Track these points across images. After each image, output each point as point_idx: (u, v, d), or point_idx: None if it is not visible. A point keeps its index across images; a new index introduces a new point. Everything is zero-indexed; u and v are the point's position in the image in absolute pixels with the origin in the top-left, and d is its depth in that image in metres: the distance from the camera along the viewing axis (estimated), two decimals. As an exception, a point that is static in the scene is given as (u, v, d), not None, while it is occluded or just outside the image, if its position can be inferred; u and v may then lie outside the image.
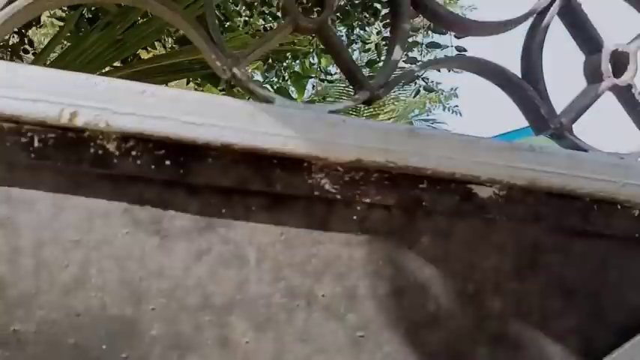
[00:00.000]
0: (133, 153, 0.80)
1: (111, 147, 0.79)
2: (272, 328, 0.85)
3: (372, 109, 9.04)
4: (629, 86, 1.01)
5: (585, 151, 0.96)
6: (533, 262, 0.95)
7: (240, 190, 0.85)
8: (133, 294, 0.80)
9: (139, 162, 0.80)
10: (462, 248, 0.93)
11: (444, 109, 13.09)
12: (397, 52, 0.97)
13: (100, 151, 0.79)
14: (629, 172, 0.95)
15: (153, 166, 0.80)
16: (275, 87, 6.45)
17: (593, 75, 1.01)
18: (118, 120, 0.77)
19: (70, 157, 0.78)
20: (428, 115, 13.05)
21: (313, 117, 0.85)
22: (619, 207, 0.98)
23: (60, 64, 2.27)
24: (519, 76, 1.00)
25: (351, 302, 0.88)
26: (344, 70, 0.97)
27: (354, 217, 0.89)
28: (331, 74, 7.69)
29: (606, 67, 1.00)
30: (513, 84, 0.99)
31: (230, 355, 0.84)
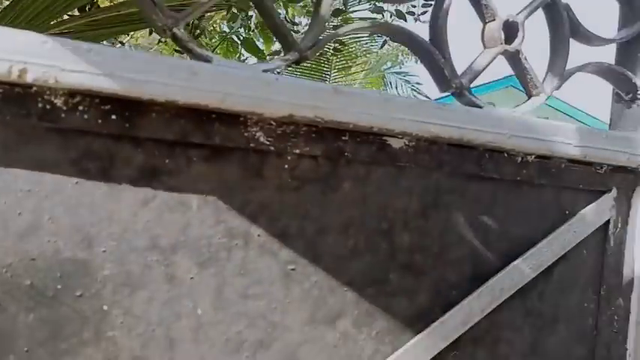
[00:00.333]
0: (80, 108, 0.87)
1: (58, 102, 0.85)
2: (213, 265, 0.98)
3: (344, 62, 8.99)
4: (518, 52, 1.21)
5: (480, 107, 1.15)
6: (436, 202, 1.14)
7: (182, 143, 0.95)
8: (84, 238, 0.89)
9: (86, 116, 0.87)
10: (378, 192, 1.10)
11: (416, 62, 13.06)
12: (324, 10, 1.08)
13: (48, 106, 0.85)
14: (515, 126, 1.16)
15: (100, 121, 0.88)
16: (241, 38, 6.28)
17: (488, 41, 1.19)
18: (66, 77, 0.83)
19: (18, 112, 0.84)
20: (400, 68, 12.91)
21: (249, 75, 0.96)
22: (506, 155, 1.19)
23: (12, 12, 2.12)
24: (427, 40, 1.16)
25: (283, 240, 1.03)
26: (274, 32, 1.07)
27: (286, 166, 1.02)
28: (297, 24, 7.47)
29: (499, 34, 1.18)
30: (422, 48, 1.15)
31: (176, 290, 0.96)
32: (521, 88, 1.40)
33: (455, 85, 1.14)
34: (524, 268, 1.21)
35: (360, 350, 1.11)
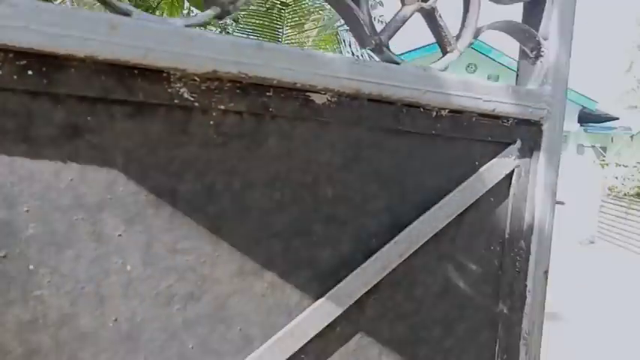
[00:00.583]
0: (-7, 63, 0.85)
1: (-32, 57, 0.83)
2: (141, 222, 1.01)
3: (297, 18, 8.66)
4: (433, 9, 1.28)
5: (398, 64, 1.22)
6: (357, 156, 1.22)
7: (104, 100, 0.95)
8: (5, 198, 0.89)
9: (0, 72, 0.85)
10: (302, 146, 1.15)
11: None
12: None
13: (-43, 61, 0.82)
14: (430, 82, 1.24)
15: (15, 77, 0.87)
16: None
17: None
18: (-24, 30, 0.81)
19: None
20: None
21: (171, 30, 0.97)
22: (422, 110, 1.28)
23: None
24: (349, -2, 1.20)
25: (210, 196, 1.07)
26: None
27: (211, 122, 1.05)
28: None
29: (416, -8, 1.25)
30: (342, 4, 1.19)
31: (104, 247, 0.98)
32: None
33: (374, 42, 1.20)
34: (438, 216, 1.33)
35: (287, 299, 1.19)
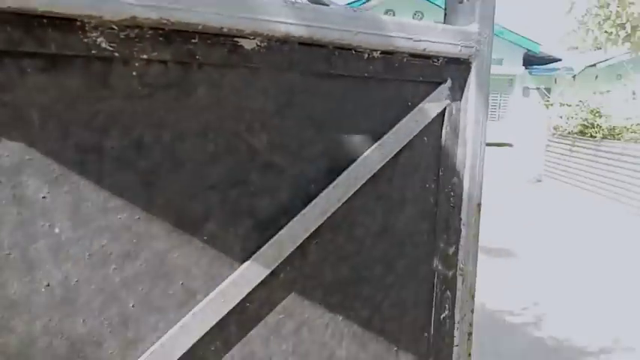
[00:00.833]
0: None
1: None
2: (67, 182, 0.96)
3: None
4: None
5: (327, 5, 1.18)
6: (290, 101, 1.19)
7: (11, 52, 0.87)
8: None
9: None
10: (233, 94, 1.11)
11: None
12: None
13: None
14: (361, 23, 1.22)
15: None
16: None
17: None
18: None
19: None
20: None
21: (81, -26, 0.88)
22: (354, 52, 1.26)
23: None
24: None
25: (139, 150, 1.02)
26: None
27: (134, 73, 0.99)
28: None
29: None
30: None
31: (28, 211, 0.92)
32: None
33: (302, -18, 1.16)
34: (374, 158, 1.34)
35: (228, 250, 1.17)
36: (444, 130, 1.48)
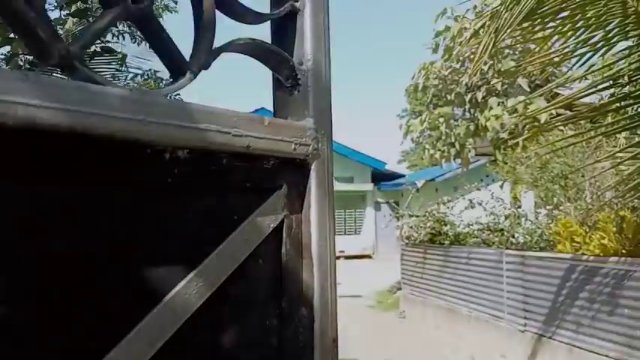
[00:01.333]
0: None
1: None
2: None
3: None
4: (144, 10, 0.94)
5: (102, 84, 0.83)
6: (39, 226, 0.78)
7: None
8: None
9: None
10: None
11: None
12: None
13: None
14: (155, 110, 0.88)
15: None
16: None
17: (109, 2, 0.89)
18: None
19: None
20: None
21: None
22: (149, 150, 0.90)
23: None
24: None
25: None
26: None
27: None
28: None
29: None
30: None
31: None
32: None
33: (59, 53, 0.80)
34: (188, 294, 0.94)
35: None
36: (283, 249, 1.14)
